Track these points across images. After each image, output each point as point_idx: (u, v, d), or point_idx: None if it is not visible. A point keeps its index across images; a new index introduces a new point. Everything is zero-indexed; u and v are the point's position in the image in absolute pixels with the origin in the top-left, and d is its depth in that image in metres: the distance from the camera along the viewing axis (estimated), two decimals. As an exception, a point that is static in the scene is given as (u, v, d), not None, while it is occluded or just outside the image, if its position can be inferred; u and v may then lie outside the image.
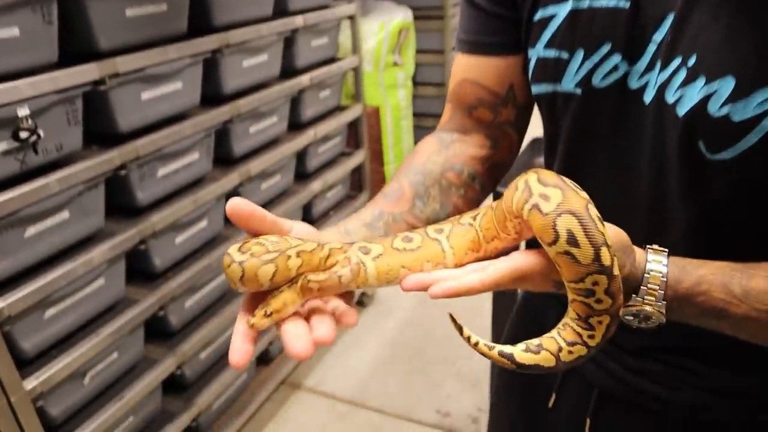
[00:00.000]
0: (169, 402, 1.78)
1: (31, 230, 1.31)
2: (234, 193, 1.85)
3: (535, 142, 1.87)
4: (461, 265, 0.55)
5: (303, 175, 2.25)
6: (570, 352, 0.51)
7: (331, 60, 2.29)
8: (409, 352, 2.36)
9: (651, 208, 0.62)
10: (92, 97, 1.42)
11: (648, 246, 0.55)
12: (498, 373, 0.96)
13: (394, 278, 0.54)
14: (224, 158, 1.86)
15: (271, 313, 0.48)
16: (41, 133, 1.28)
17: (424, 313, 2.57)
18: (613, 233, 0.52)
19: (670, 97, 0.57)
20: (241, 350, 0.48)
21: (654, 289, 0.54)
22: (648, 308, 0.54)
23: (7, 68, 1.21)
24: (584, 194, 0.50)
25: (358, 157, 2.51)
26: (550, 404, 0.81)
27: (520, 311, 0.91)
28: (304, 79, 2.08)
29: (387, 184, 0.71)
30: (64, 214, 1.37)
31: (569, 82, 0.63)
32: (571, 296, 0.51)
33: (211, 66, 1.72)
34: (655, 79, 0.58)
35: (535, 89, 0.67)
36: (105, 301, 1.52)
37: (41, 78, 1.24)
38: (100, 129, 1.49)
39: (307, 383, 2.23)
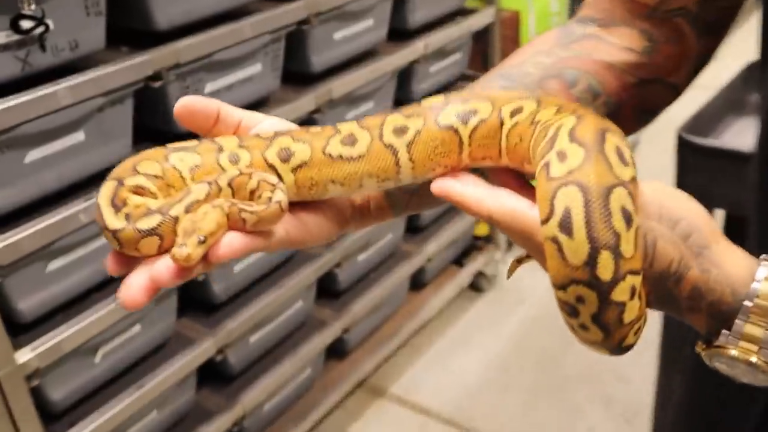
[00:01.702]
0: (206, 397, 1.82)
1: (34, 154, 1.32)
2: (307, 121, 1.81)
3: (750, 69, 1.73)
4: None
5: (406, 104, 2.17)
6: None
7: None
8: (537, 360, 2.34)
9: None
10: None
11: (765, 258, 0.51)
12: (679, 407, 0.92)
13: (320, 196, 0.56)
14: (298, 74, 1.85)
15: (206, 239, 0.48)
16: (50, 23, 1.28)
17: None
18: (674, 210, 0.50)
19: None
20: (139, 286, 0.49)
21: (758, 323, 0.49)
22: (742, 355, 0.50)
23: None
24: (624, 171, 0.48)
25: (487, 83, 2.41)
26: None
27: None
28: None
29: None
30: (79, 136, 1.38)
31: None
32: (558, 306, 0.51)
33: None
34: None
35: None
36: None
37: (48, -55, 1.23)
38: (128, 24, 1.48)
39: (393, 390, 2.26)
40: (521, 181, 0.56)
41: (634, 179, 0.49)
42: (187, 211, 0.51)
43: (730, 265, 0.51)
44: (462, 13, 2.32)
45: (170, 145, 0.55)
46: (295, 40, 1.78)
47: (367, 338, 2.22)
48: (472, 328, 2.46)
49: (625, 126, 0.64)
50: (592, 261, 0.47)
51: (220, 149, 0.55)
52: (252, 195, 0.53)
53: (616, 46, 0.69)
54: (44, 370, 1.37)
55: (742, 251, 0.52)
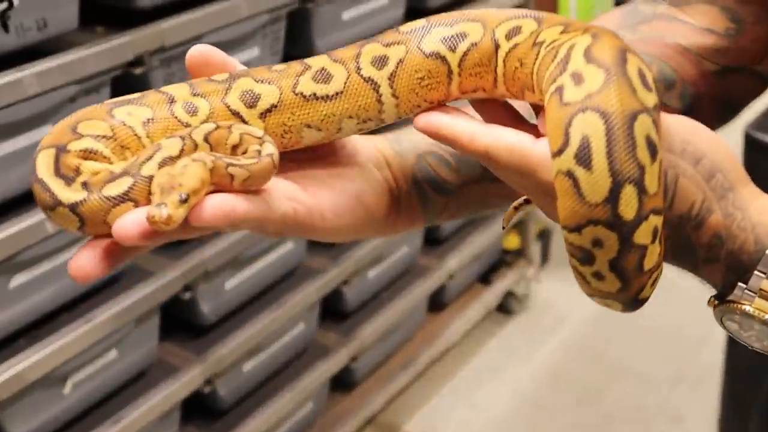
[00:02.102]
0: (193, 433, 1.81)
1: (-4, 151, 1.31)
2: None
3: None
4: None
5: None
6: None
7: None
8: (576, 396, 2.32)
9: None
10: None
11: None
12: None
13: (295, 144, 0.55)
14: (300, 58, 1.82)
15: (188, 197, 0.47)
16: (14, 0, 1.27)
17: (610, 329, 2.47)
18: (704, 141, 0.52)
19: None
20: (95, 251, 0.48)
21: None
22: (757, 313, 0.52)
23: None
24: (648, 97, 0.48)
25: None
26: None
27: None
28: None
29: None
30: (47, 130, 1.38)
31: None
32: (567, 252, 0.51)
33: None
34: None
35: None
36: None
37: None
38: (105, 0, 1.48)
39: (408, 428, 2.25)
40: (516, 119, 0.56)
41: (657, 106, 0.49)
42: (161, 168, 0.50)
43: (757, 212, 0.52)
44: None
45: (109, 101, 0.54)
46: (298, 21, 1.77)
47: (378, 367, 2.21)
48: (501, 356, 2.45)
49: (705, 123, 0.64)
50: (613, 197, 0.47)
51: (172, 100, 0.54)
52: (234, 150, 0.52)
53: (694, 27, 0.68)
54: (5, 403, 1.36)
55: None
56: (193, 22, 1.50)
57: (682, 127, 0.53)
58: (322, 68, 0.55)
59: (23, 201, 1.37)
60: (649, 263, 0.50)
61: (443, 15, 0.56)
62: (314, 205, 0.54)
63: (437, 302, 2.40)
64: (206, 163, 0.49)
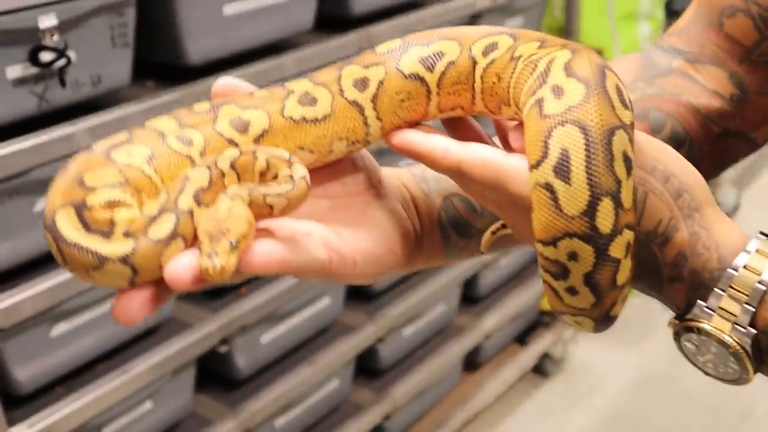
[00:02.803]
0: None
1: (44, 203, 1.33)
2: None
3: None
4: (339, 168, 0.57)
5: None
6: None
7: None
8: None
9: None
10: (151, 6, 1.43)
11: (762, 232, 0.53)
12: None
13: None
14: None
15: (238, 243, 0.46)
16: (72, 56, 1.31)
17: (648, 395, 2.43)
18: (675, 165, 0.52)
19: None
20: (143, 296, 0.47)
21: (738, 297, 0.51)
22: (714, 331, 0.52)
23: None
24: (625, 114, 0.48)
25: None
26: None
27: None
28: (483, -2, 2.02)
29: None
30: None
31: None
32: (540, 270, 0.51)
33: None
34: None
35: None
36: (146, 318, 1.53)
37: (77, -29, 1.27)
38: (158, 57, 1.51)
39: None
40: (485, 139, 0.57)
41: (632, 123, 0.50)
42: (197, 201, 0.48)
43: (721, 232, 0.52)
44: (534, 52, 2.33)
45: (96, 147, 0.51)
46: None
47: (411, 426, 2.19)
48: (536, 419, 2.41)
49: (702, 169, 0.65)
50: (591, 210, 0.47)
51: (162, 134, 0.52)
52: (263, 177, 0.51)
53: (704, 88, 0.70)
54: (40, 452, 1.37)
55: (734, 222, 0.53)
56: (243, 77, 1.52)
57: (652, 146, 0.53)
58: (306, 92, 0.55)
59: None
60: (621, 278, 0.50)
61: (419, 34, 0.57)
62: (348, 254, 0.54)
63: (472, 362, 2.37)
64: (243, 198, 0.48)
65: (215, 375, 1.77)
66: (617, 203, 0.47)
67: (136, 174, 0.50)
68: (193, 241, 0.47)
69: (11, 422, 1.31)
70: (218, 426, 1.66)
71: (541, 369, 2.57)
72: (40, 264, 1.36)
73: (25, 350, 1.35)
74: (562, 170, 0.47)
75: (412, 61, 0.56)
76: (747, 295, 0.50)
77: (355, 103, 0.55)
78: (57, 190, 0.49)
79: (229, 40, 1.54)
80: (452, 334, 2.23)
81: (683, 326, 0.53)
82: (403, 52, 0.56)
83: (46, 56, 1.26)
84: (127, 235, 0.47)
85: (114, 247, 0.46)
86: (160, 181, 0.51)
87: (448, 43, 0.56)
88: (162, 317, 1.59)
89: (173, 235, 0.46)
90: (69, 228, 0.47)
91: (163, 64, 1.53)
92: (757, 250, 0.51)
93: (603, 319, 0.52)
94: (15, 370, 1.35)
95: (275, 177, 0.51)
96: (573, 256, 0.48)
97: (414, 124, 0.56)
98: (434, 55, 0.56)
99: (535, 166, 0.48)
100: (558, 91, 0.49)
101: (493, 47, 0.54)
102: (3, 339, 1.31)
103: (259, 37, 1.59)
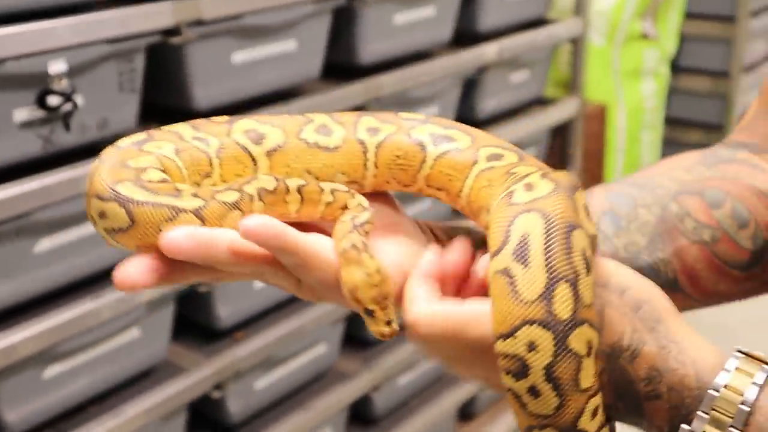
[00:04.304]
0: None
1: (44, 244, 1.35)
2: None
3: None
4: (375, 199, 0.59)
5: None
6: None
7: (537, 22, 2.25)
8: None
9: None
10: (160, 52, 1.44)
11: (742, 348, 0.51)
12: None
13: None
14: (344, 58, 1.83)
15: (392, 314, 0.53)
16: (79, 100, 1.33)
17: None
18: (630, 282, 0.52)
19: None
20: (141, 266, 0.50)
21: (723, 421, 0.49)
22: None
23: (43, 1, 1.26)
24: (589, 225, 0.50)
25: (564, 185, 2.42)
26: None
27: None
28: (489, 51, 2.04)
29: None
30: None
31: None
32: (501, 376, 0.50)
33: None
34: None
35: None
36: (140, 360, 1.55)
37: (87, 18, 1.28)
38: (166, 100, 1.53)
39: None
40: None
41: (595, 237, 0.51)
42: (259, 195, 0.53)
43: (693, 347, 0.51)
44: (541, 102, 2.35)
45: (123, 144, 0.55)
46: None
47: (404, 477, 2.16)
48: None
49: (760, 256, 0.65)
50: (548, 294, 0.47)
51: (180, 135, 0.56)
52: (329, 207, 0.55)
53: None
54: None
55: (702, 337, 0.52)
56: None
57: (607, 264, 0.53)
58: (324, 124, 0.59)
59: (65, 293, 1.40)
60: (585, 381, 0.48)
61: (444, 120, 0.60)
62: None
63: (467, 412, 2.35)
64: (362, 246, 0.53)
65: (207, 420, 1.75)
66: (575, 292, 0.47)
67: (170, 164, 0.54)
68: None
69: (-1, 465, 1.31)
70: (197, 372, 1.61)
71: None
72: (38, 305, 1.36)
73: (17, 392, 1.35)
74: (521, 254, 0.48)
75: (423, 133, 0.58)
76: (731, 417, 0.49)
77: (362, 144, 0.58)
78: (102, 173, 0.52)
79: (237, 87, 1.56)
80: (447, 384, 2.22)
81: None
82: (419, 124, 0.59)
83: (53, 100, 1.28)
84: (195, 196, 0.51)
85: (186, 202, 0.51)
86: (187, 174, 0.55)
87: (463, 134, 0.58)
88: (156, 360, 1.59)
89: (236, 206, 0.51)
90: (136, 192, 0.50)
91: (171, 108, 1.55)
92: (736, 369, 0.50)
93: (569, 430, 0.50)
94: (5, 412, 1.34)
95: (344, 207, 0.56)
96: (532, 346, 0.47)
97: (399, 185, 0.59)
98: (445, 137, 0.58)
99: (496, 253, 0.49)
100: (529, 187, 0.51)
101: (498, 157, 0.56)
102: (-4, 380, 1.32)
103: (267, 85, 1.61)
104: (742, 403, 0.49)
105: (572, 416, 0.49)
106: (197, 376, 1.58)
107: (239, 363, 1.65)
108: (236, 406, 1.71)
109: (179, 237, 0.49)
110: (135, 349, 1.53)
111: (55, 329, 1.33)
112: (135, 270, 0.50)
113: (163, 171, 0.54)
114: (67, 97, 1.29)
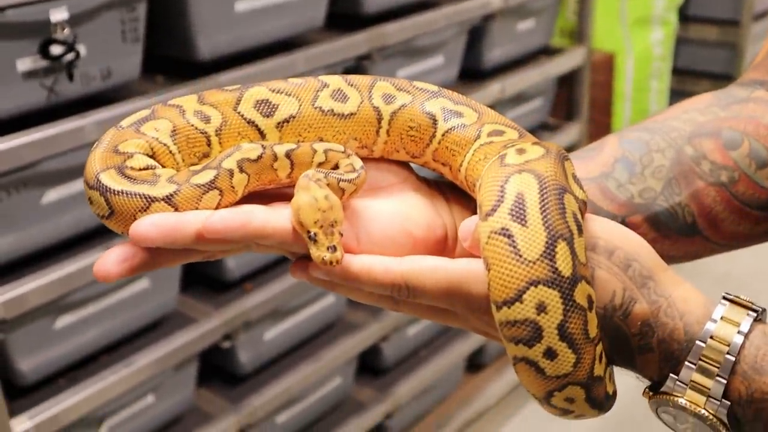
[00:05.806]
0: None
1: (52, 195, 1.35)
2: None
3: None
4: (385, 160, 0.59)
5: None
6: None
7: (546, -29, 2.24)
8: None
9: None
10: (162, 1, 1.45)
11: (728, 295, 0.53)
12: None
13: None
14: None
15: (341, 234, 0.51)
16: (81, 50, 1.32)
17: None
18: (623, 242, 0.53)
19: None
20: (115, 257, 0.50)
21: (710, 370, 0.50)
22: (690, 407, 0.51)
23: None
24: (578, 190, 0.51)
25: (570, 134, 2.43)
26: None
27: None
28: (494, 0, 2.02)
29: None
30: None
31: None
32: (508, 351, 0.50)
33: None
34: None
35: None
36: (150, 310, 1.56)
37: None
38: (168, 52, 1.52)
39: None
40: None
41: (584, 203, 0.52)
42: (240, 167, 0.52)
43: (682, 300, 0.52)
44: (547, 52, 2.33)
45: (124, 123, 0.56)
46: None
47: (413, 426, 2.19)
48: (538, 421, 2.40)
49: None
50: (550, 252, 0.47)
51: (182, 111, 0.56)
52: (320, 167, 0.55)
53: None
54: (41, 443, 1.39)
55: (690, 285, 0.53)
56: (251, 77, 1.53)
57: (593, 224, 0.54)
58: (339, 89, 0.58)
59: (74, 243, 1.41)
60: (592, 330, 0.49)
61: (455, 94, 0.61)
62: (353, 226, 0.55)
63: (476, 363, 2.38)
64: (322, 181, 0.52)
65: (217, 370, 1.77)
66: (572, 249, 0.48)
67: (161, 148, 0.55)
68: (229, 196, 0.52)
69: (14, 413, 1.33)
70: (219, 421, 1.67)
71: (545, 371, 2.56)
72: (46, 256, 1.38)
73: (29, 341, 1.37)
74: (519, 213, 0.48)
75: (435, 107, 0.59)
76: (718, 367, 0.50)
77: (377, 110, 0.58)
78: (95, 158, 0.53)
79: (240, 36, 1.54)
80: (456, 334, 2.23)
81: (659, 400, 0.53)
82: (432, 96, 0.59)
83: (56, 50, 1.28)
84: (170, 181, 0.52)
85: (159, 190, 0.51)
86: (180, 156, 0.55)
87: (470, 111, 0.59)
88: (166, 311, 1.60)
89: (211, 186, 0.51)
90: (114, 181, 0.52)
91: (174, 59, 1.54)
92: (722, 318, 0.51)
93: (592, 383, 0.50)
94: (18, 361, 1.36)
95: (335, 167, 0.55)
96: (541, 307, 0.48)
97: (408, 156, 0.59)
98: (454, 112, 0.59)
99: (490, 213, 0.49)
100: (521, 151, 0.52)
101: (499, 133, 0.57)
102: (7, 330, 1.33)
103: (270, 34, 1.60)
104: (728, 353, 0.50)
105: (589, 367, 0.50)
106: (207, 326, 1.60)
107: (249, 313, 1.66)
108: (246, 356, 1.73)
109: (144, 227, 0.49)
110: (145, 299, 1.54)
111: (65, 279, 1.34)
112: (111, 260, 0.50)
113: (153, 155, 0.54)
114: (70, 46, 1.29)
